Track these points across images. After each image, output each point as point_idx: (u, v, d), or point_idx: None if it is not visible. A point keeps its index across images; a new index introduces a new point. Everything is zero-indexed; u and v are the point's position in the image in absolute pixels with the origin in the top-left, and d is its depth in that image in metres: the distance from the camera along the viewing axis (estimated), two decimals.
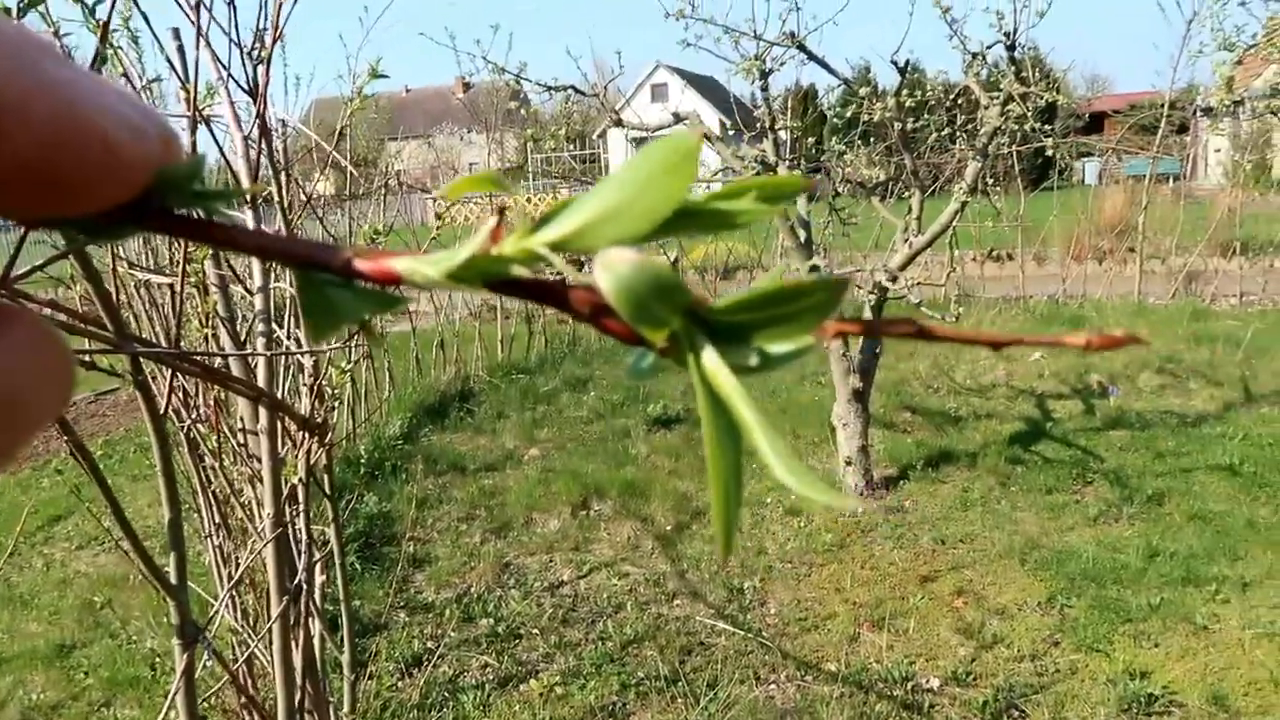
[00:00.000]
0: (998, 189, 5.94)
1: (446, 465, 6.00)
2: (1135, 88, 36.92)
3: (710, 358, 0.25)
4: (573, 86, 4.81)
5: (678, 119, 4.91)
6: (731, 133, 5.06)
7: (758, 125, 5.05)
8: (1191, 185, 17.20)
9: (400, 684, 3.59)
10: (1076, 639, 3.60)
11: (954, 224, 4.61)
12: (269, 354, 1.29)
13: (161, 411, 1.06)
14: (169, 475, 1.08)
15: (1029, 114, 4.44)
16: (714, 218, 0.25)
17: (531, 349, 9.05)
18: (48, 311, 1.04)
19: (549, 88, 4.73)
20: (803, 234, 4.95)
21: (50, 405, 0.22)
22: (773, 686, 3.44)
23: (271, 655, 1.57)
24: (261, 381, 1.32)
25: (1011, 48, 4.63)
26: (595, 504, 5.31)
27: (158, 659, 3.75)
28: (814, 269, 4.76)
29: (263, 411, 1.33)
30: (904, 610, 3.90)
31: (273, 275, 1.35)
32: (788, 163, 5.41)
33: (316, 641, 2.01)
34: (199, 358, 0.96)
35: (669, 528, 4.91)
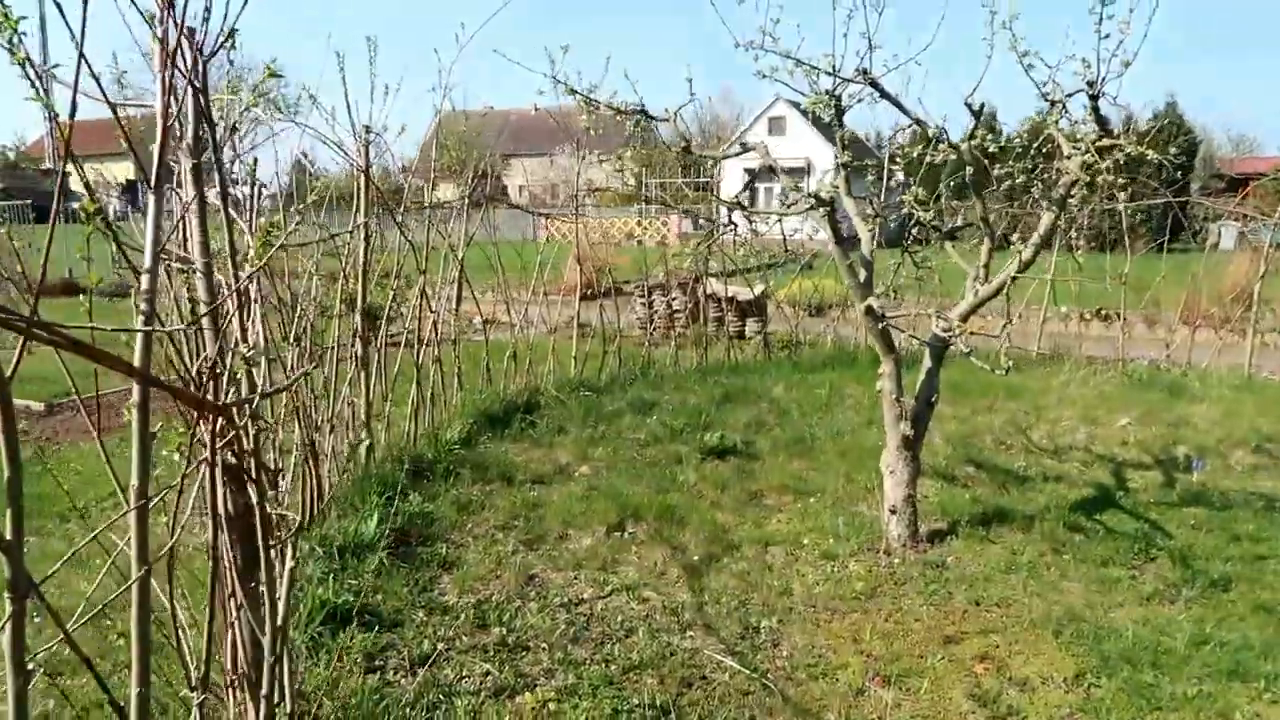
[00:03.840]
0: (1079, 243, 5.68)
1: (496, 474, 6.09)
2: None
3: None
4: (642, 111, 4.85)
5: (745, 148, 4.89)
6: (844, 169, 4.98)
7: (871, 161, 4.99)
8: None
9: (402, 681, 3.64)
10: None
11: (1014, 277, 4.44)
12: (146, 330, 1.35)
13: (9, 377, 1.12)
14: (8, 433, 1.14)
15: (1105, 168, 4.24)
16: None
17: (604, 369, 9.11)
18: None
19: (617, 110, 4.78)
20: (863, 274, 4.85)
21: None
22: None
23: (183, 621, 1.63)
24: (138, 360, 1.38)
25: (1095, 97, 4.45)
26: (631, 526, 5.29)
27: None
28: (869, 311, 4.65)
29: (135, 386, 1.39)
30: (919, 669, 3.74)
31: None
32: (877, 202, 5.34)
33: (242, 626, 2.06)
34: (63, 329, 1.01)
35: (698, 557, 4.85)
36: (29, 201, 19.80)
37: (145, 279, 1.39)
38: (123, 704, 1.46)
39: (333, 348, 5.29)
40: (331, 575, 4.32)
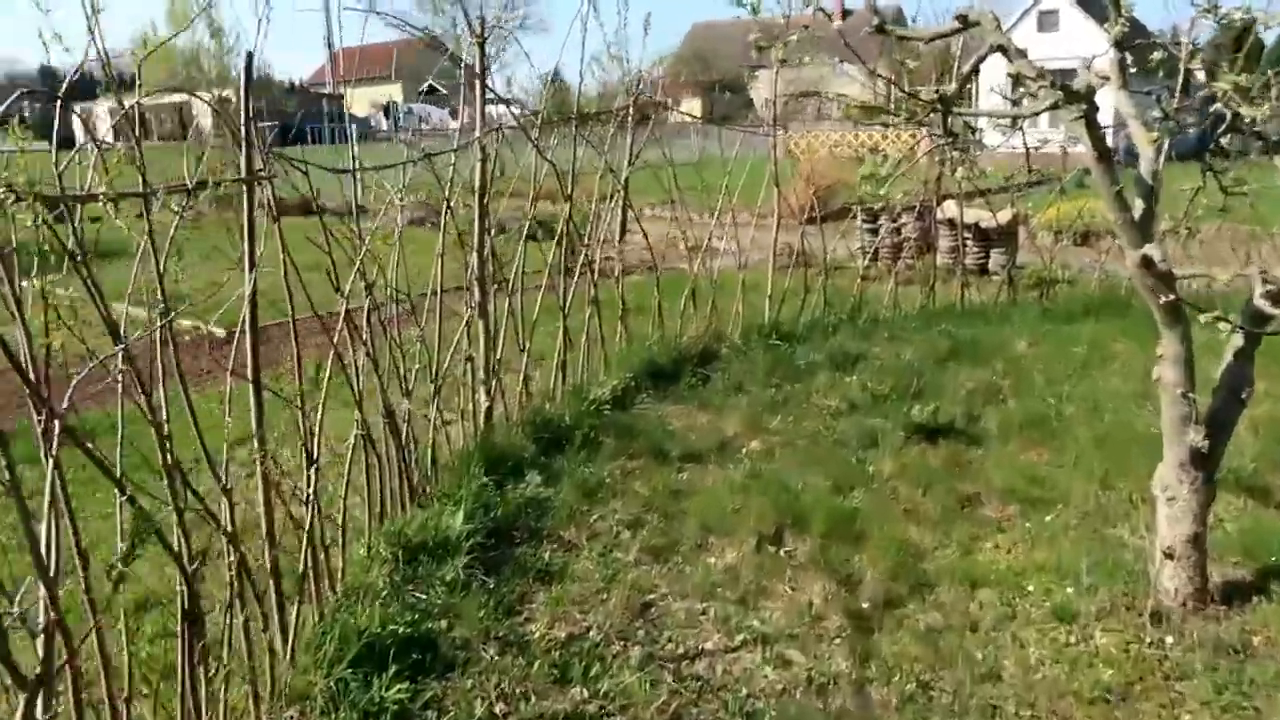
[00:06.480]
0: None
1: (645, 446, 5.03)
2: None
3: None
4: None
5: (965, 23, 3.38)
6: (1134, 69, 3.43)
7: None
8: None
9: None
10: None
11: None
12: None
13: None
14: None
15: None
16: None
17: (806, 310, 7.73)
18: None
19: None
20: (1139, 205, 3.24)
21: None
22: None
23: None
24: None
25: None
26: (790, 538, 4.07)
27: None
28: (1145, 263, 3.06)
29: None
30: None
31: None
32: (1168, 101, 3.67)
33: None
34: None
35: (870, 598, 3.56)
36: (275, 125, 20.89)
37: None
38: None
39: (434, 292, 4.39)
40: (391, 589, 3.47)
